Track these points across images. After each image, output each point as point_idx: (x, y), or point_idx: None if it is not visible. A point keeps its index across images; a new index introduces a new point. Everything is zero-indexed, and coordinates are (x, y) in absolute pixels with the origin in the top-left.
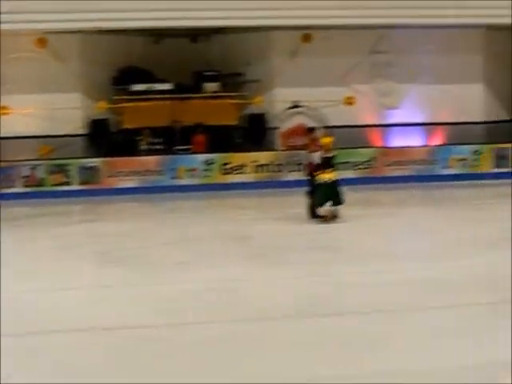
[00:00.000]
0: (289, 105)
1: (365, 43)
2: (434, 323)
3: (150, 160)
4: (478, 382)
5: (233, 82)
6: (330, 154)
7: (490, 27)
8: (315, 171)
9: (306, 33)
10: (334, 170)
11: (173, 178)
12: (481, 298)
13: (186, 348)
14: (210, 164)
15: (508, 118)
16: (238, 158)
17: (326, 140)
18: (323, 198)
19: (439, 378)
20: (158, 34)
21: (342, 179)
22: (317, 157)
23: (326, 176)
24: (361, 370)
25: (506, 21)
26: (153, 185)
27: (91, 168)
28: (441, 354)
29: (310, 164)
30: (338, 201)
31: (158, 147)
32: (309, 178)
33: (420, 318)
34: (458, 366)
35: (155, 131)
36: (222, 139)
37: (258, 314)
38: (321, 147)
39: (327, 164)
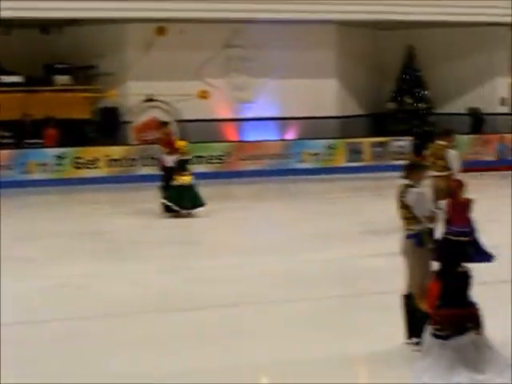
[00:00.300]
0: (142, 98)
1: (219, 37)
2: (289, 315)
3: None
4: (320, 374)
5: (85, 74)
6: (185, 157)
7: (343, 23)
8: (170, 173)
9: (161, 26)
10: (190, 174)
11: (23, 172)
12: (334, 291)
13: (37, 347)
14: (61, 158)
15: (361, 113)
16: (90, 152)
17: (181, 143)
18: (182, 201)
19: (294, 369)
20: (7, 25)
21: (197, 173)
22: (171, 159)
23: (184, 179)
24: (220, 363)
25: (358, 17)
26: (2, 180)
27: None
28: (296, 345)
29: (165, 166)
30: (197, 203)
31: (7, 141)
32: (163, 173)
33: (275, 310)
34: (312, 358)
35: (5, 125)
36: (74, 133)
37: (111, 310)
38: (177, 150)
39: (183, 167)
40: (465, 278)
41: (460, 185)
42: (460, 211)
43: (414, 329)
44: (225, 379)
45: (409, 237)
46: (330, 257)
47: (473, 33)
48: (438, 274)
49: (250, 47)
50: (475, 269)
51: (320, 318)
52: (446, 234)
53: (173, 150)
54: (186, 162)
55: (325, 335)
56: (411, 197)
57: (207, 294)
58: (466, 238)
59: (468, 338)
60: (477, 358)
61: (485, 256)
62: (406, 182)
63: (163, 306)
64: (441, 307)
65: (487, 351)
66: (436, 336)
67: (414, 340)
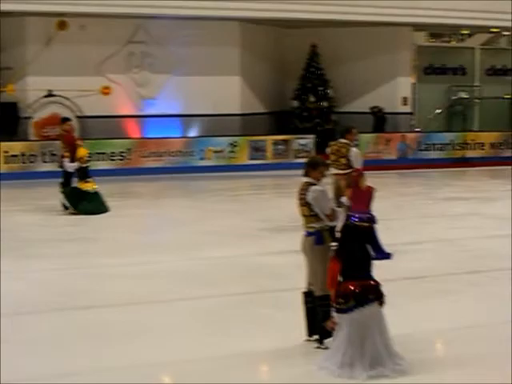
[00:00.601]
0: (43, 94)
1: (122, 33)
2: (191, 313)
3: None
4: (220, 372)
5: None
6: (85, 165)
7: (246, 20)
8: (71, 177)
9: (62, 20)
10: (93, 181)
11: None
12: (235, 289)
13: None
14: None
15: (264, 111)
16: None
17: (83, 152)
18: (82, 205)
19: (196, 367)
20: None
21: (99, 170)
22: (72, 166)
23: (88, 186)
24: (120, 363)
25: (260, 15)
26: None
27: None
28: (198, 343)
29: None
30: (102, 209)
31: None
32: (63, 174)
33: (176, 308)
34: (213, 356)
35: None
36: None
37: (8, 309)
38: (79, 159)
39: (84, 174)
40: (365, 251)
41: (360, 174)
42: (362, 199)
43: (315, 326)
44: (125, 379)
45: (309, 234)
46: (231, 254)
47: (376, 33)
48: (336, 253)
49: (153, 43)
50: (376, 267)
51: (221, 315)
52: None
53: (74, 155)
54: (86, 169)
55: (226, 333)
56: (311, 194)
57: (107, 292)
58: (369, 224)
59: (372, 308)
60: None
61: (383, 254)
62: (307, 179)
63: (62, 304)
64: (342, 282)
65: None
66: (341, 310)
67: (315, 337)
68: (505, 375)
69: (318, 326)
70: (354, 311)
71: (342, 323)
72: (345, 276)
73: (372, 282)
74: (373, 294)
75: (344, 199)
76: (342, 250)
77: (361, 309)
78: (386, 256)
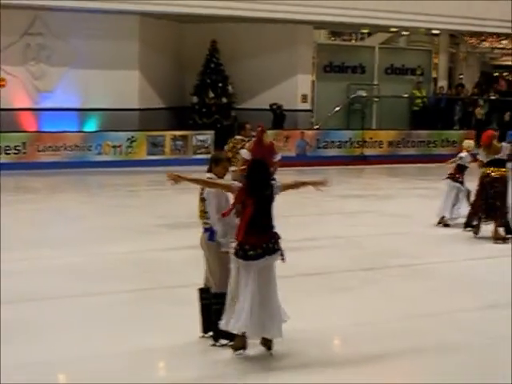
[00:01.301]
0: None
1: (18, 24)
2: (85, 310)
3: None
4: (117, 369)
5: None
6: None
7: (146, 14)
8: None
9: None
10: None
11: None
12: (130, 285)
13: None
14: None
15: (163, 106)
16: None
17: None
18: None
19: (92, 365)
20: None
21: None
22: None
23: None
24: (14, 361)
25: (159, 9)
26: None
27: None
28: (93, 340)
29: None
30: None
31: None
32: None
33: (71, 305)
34: (109, 353)
35: None
36: None
37: None
38: None
39: None
40: (269, 202)
41: (263, 130)
42: (264, 155)
43: (210, 323)
44: (19, 378)
45: (205, 231)
46: (128, 250)
47: (276, 30)
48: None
49: (51, 35)
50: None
51: (117, 311)
52: None
53: None
54: None
55: (122, 329)
56: (208, 191)
57: None
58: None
59: (272, 259)
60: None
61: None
62: (210, 175)
63: None
64: (248, 231)
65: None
66: (244, 257)
67: (210, 334)
68: (401, 372)
69: (213, 323)
70: (256, 260)
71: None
72: (251, 226)
73: (274, 234)
74: (274, 246)
75: (244, 152)
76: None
77: (262, 259)
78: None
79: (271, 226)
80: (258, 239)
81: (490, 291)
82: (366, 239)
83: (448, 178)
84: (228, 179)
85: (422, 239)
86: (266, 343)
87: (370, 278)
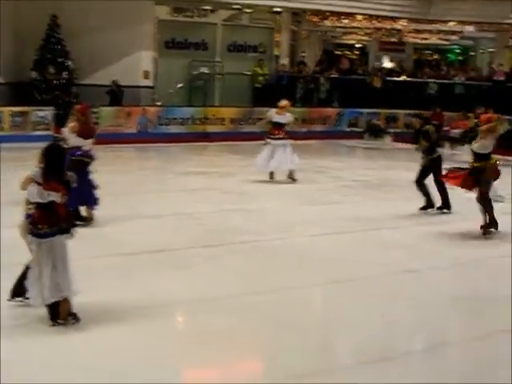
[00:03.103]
0: None
1: None
2: None
3: None
4: None
5: None
6: None
7: None
8: None
9: None
10: None
11: None
12: None
13: None
14: None
15: (1, 81)
16: None
17: None
18: None
19: None
20: None
21: None
22: None
23: None
24: None
25: None
26: None
27: None
28: None
29: None
30: None
31: None
32: None
33: None
34: None
35: None
36: None
37: None
38: None
39: None
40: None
41: (88, 108)
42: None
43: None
44: None
45: (27, 217)
46: None
47: (118, 6)
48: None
49: None
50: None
51: None
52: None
53: None
54: None
55: None
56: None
57: None
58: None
59: (64, 237)
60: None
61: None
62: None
63: None
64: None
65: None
66: (36, 235)
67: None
68: (243, 347)
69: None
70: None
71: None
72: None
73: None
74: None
75: (66, 132)
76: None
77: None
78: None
79: (66, 206)
80: (50, 219)
81: (330, 268)
82: (208, 216)
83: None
84: None
85: (264, 216)
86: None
87: (211, 254)
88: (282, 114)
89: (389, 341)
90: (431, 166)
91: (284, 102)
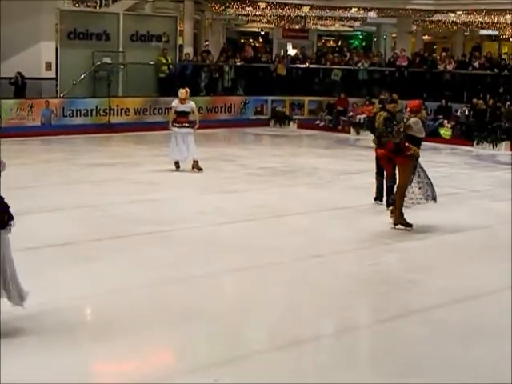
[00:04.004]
0: None
1: None
2: None
3: None
4: None
5: None
6: None
7: None
8: None
9: None
10: None
11: None
12: None
13: None
14: None
15: None
16: None
17: None
18: None
19: None
20: None
21: None
22: None
23: None
24: None
25: None
26: None
27: None
28: None
29: None
30: None
31: None
32: None
33: None
34: None
35: None
36: None
37: None
38: None
39: None
40: None
41: None
42: None
43: None
44: None
45: None
46: None
47: None
48: None
49: None
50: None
51: None
52: None
53: None
54: None
55: None
56: None
57: None
58: None
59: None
60: None
61: None
62: None
63: None
64: None
65: None
66: None
67: None
68: (154, 338)
69: None
70: None
71: None
72: None
73: None
74: None
75: None
76: None
77: None
78: None
79: None
80: None
81: (237, 255)
82: (113, 207)
83: (175, 125)
84: None
85: (171, 206)
86: None
87: (116, 246)
88: (185, 102)
89: (298, 326)
90: None
91: (182, 91)
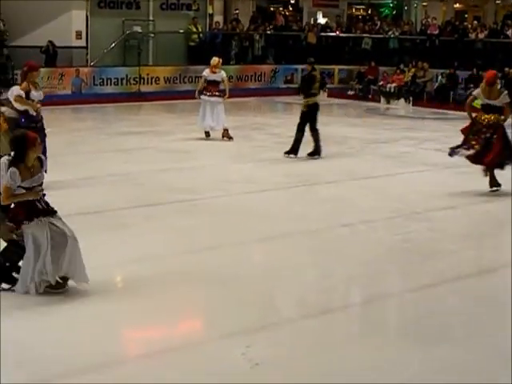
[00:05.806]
0: None
1: None
2: None
3: None
4: None
5: None
6: None
7: None
8: None
9: None
10: None
11: None
12: None
13: None
14: None
15: None
16: None
17: None
18: None
19: None
20: None
21: None
22: None
23: None
24: None
25: None
26: None
27: None
28: None
29: None
30: None
31: None
32: None
33: None
34: None
35: None
36: None
37: None
38: None
39: None
40: None
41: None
42: None
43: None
44: None
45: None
46: None
47: None
48: None
49: None
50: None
51: None
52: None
53: None
54: None
55: None
56: None
57: None
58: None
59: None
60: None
61: None
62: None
63: None
64: None
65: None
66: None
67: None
68: (184, 305)
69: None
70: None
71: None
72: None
73: None
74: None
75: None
76: None
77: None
78: None
79: None
80: None
81: (267, 224)
82: (144, 175)
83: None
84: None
85: (202, 174)
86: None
87: (150, 214)
88: (216, 71)
89: (328, 294)
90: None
91: (216, 59)
